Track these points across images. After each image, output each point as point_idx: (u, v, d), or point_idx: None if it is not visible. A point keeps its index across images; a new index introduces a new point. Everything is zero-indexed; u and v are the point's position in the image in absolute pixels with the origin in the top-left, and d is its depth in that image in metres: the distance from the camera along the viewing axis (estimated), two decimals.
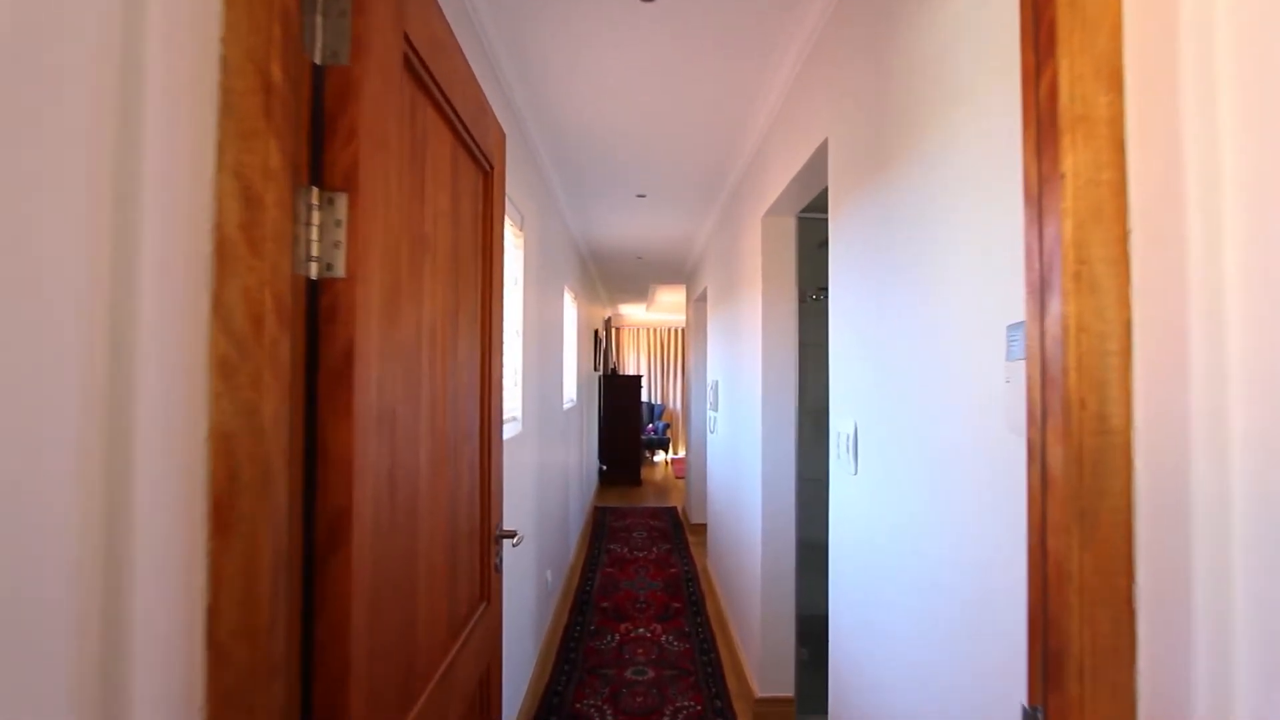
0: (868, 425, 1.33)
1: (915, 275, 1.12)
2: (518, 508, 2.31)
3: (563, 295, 3.83)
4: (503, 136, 1.47)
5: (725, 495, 3.48)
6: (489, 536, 1.34)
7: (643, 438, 9.04)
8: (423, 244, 0.96)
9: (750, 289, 2.68)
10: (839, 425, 1.49)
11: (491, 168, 1.37)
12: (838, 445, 1.48)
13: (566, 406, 4.13)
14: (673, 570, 4.27)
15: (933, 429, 1.05)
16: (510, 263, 2.38)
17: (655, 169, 3.04)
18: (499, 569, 1.42)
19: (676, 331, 10.16)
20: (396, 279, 0.83)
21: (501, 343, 1.45)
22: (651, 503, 6.62)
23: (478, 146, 1.27)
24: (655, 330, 10.17)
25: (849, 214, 1.47)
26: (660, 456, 9.79)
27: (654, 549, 4.79)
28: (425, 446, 0.96)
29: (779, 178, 2.23)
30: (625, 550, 4.75)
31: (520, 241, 2.44)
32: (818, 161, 1.82)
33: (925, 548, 1.07)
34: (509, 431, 2.20)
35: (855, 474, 1.38)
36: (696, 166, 3.00)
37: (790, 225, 2.46)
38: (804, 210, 2.42)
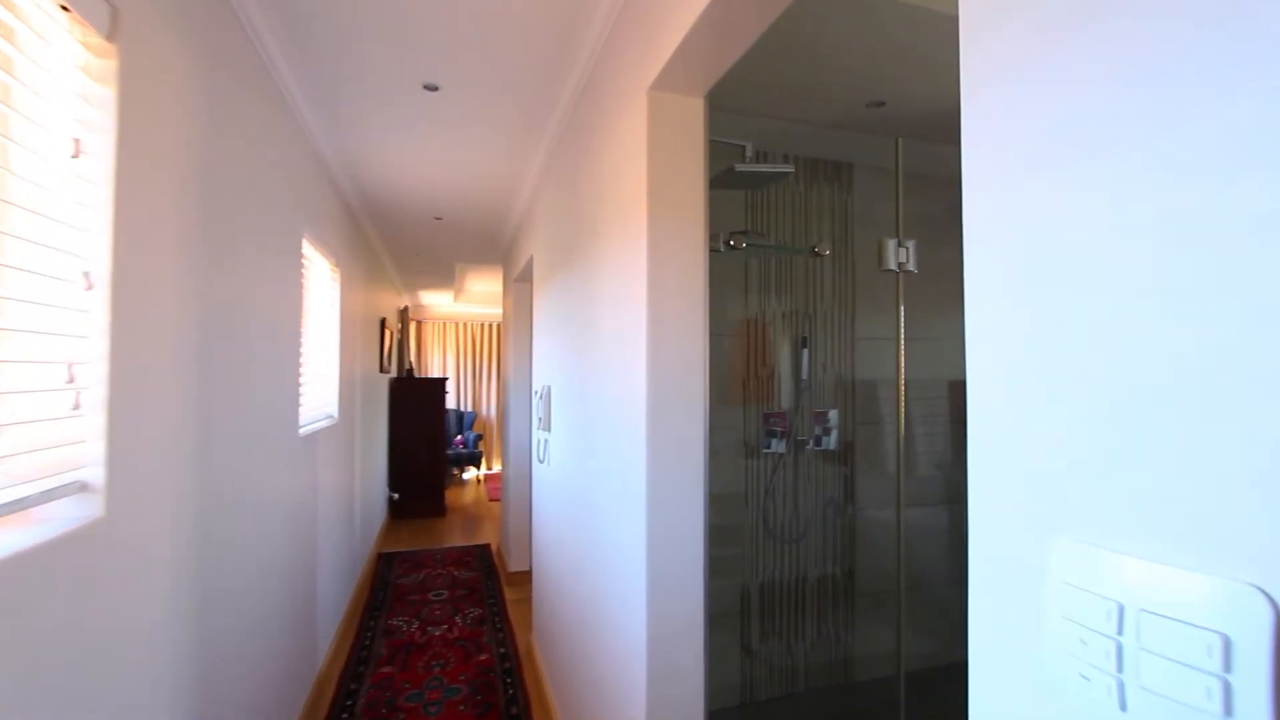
0: None
1: None
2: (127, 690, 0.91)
3: (298, 254, 2.37)
4: None
5: (568, 557, 2.33)
6: None
7: (449, 453, 7.51)
8: None
9: (620, 232, 1.56)
10: (1105, 587, 0.41)
11: None
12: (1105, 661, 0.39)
13: (317, 425, 2.65)
14: (484, 657, 2.98)
15: None
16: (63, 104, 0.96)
17: (455, 31, 1.78)
18: None
19: (492, 326, 8.74)
20: None
21: None
22: (458, 539, 5.21)
23: None
24: (466, 324, 8.65)
25: None
26: (471, 473, 8.29)
27: (457, 619, 3.45)
28: None
29: None
30: (415, 626, 3.34)
31: (109, 67, 1.03)
32: None
33: None
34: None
35: None
36: (531, 18, 1.80)
37: (698, 111, 1.38)
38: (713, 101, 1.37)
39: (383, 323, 5.14)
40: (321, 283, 2.99)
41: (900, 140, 1.82)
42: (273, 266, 2.01)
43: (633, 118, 1.44)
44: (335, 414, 3.16)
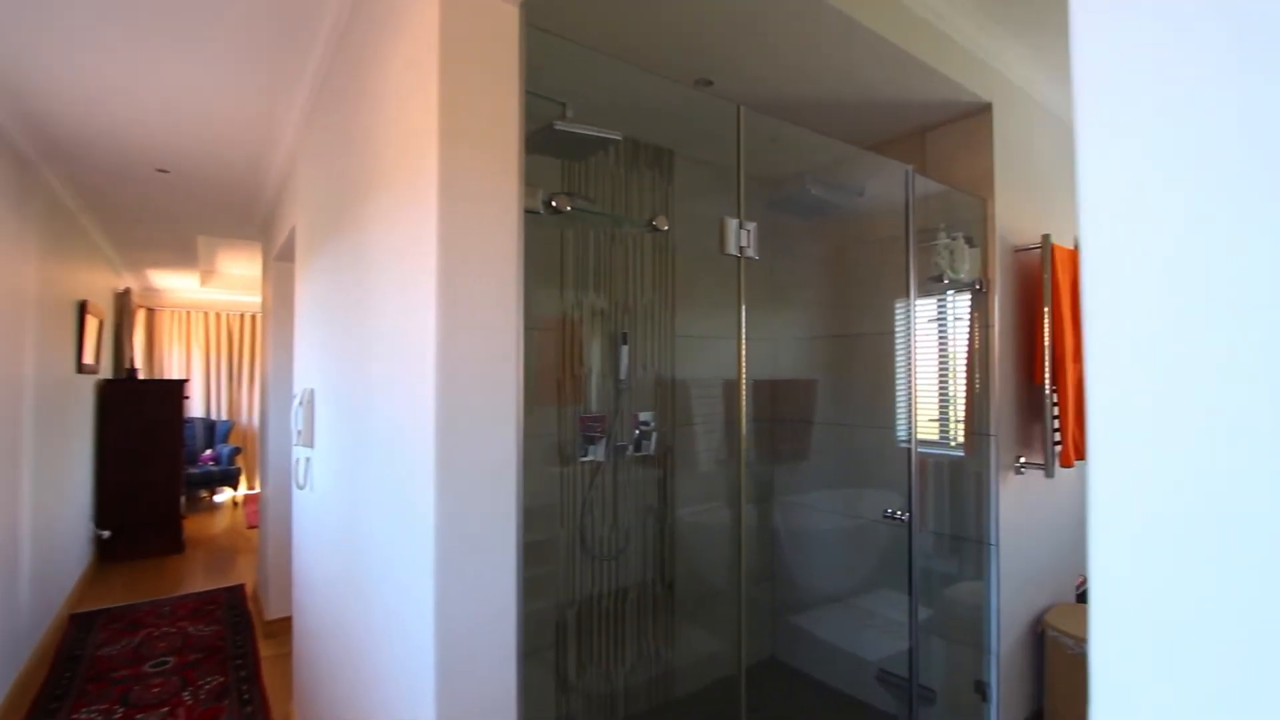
0: None
1: None
2: None
3: None
4: None
5: (336, 609, 1.81)
6: None
7: (195, 471, 6.10)
8: None
9: (404, 180, 1.15)
10: None
11: None
12: None
13: None
14: None
15: None
16: None
17: None
18: None
19: (255, 317, 7.33)
20: None
21: None
22: (199, 584, 4.14)
23: None
24: (220, 314, 7.14)
25: None
26: (226, 494, 6.85)
27: (186, 695, 2.63)
28: None
29: None
30: (117, 716, 2.46)
31: None
32: None
33: None
34: None
35: None
36: None
37: (511, 20, 1.04)
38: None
39: (83, 307, 3.89)
40: None
41: (741, 108, 1.66)
42: None
43: (421, 15, 1.05)
44: None
